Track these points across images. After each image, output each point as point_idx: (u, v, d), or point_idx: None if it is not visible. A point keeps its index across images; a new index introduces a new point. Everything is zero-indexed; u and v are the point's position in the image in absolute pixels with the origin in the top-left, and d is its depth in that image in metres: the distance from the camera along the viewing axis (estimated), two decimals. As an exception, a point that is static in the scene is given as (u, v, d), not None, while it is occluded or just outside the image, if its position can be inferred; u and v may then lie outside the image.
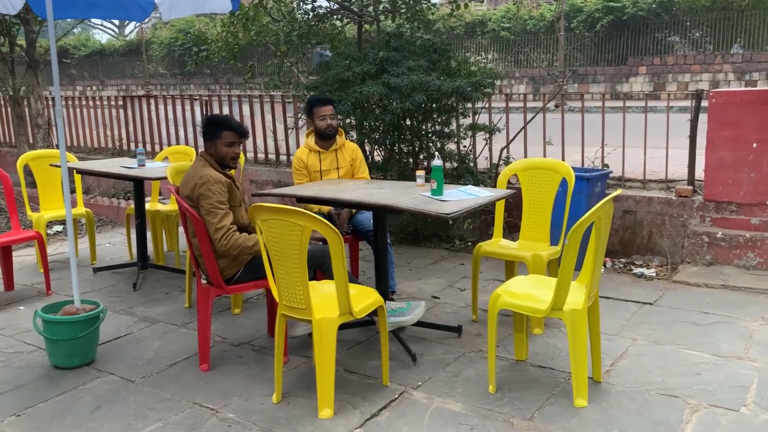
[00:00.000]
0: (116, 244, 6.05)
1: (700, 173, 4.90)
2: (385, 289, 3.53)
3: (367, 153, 5.67)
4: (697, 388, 2.95)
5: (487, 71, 5.55)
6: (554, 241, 3.82)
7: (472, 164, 5.56)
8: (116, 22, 36.03)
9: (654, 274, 4.62)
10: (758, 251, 4.50)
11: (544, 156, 5.29)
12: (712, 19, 18.54)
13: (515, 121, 5.66)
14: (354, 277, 3.91)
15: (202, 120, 6.59)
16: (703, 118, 4.82)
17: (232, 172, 3.60)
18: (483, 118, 5.69)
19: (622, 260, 4.93)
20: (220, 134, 3.35)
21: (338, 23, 6.43)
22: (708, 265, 4.66)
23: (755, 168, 4.48)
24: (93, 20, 29.93)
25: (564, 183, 3.78)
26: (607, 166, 5.24)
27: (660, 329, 3.68)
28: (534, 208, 3.91)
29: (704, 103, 4.84)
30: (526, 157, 5.29)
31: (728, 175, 4.59)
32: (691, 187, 4.90)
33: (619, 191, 3.30)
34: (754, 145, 4.46)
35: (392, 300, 3.79)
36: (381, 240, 3.61)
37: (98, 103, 8.93)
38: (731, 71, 17.32)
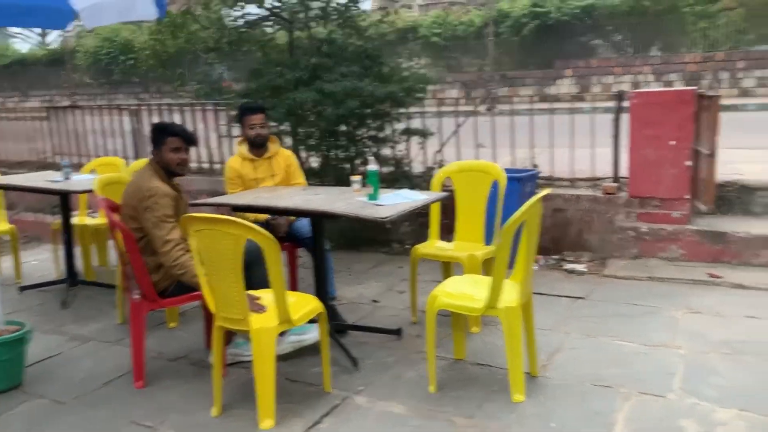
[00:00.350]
0: (43, 261, 5.80)
1: (625, 171, 5.11)
2: (324, 295, 3.52)
3: (303, 160, 5.65)
4: (629, 377, 3.08)
5: (419, 77, 5.63)
6: (489, 241, 3.90)
7: (407, 168, 5.62)
8: (37, 30, 34.59)
9: (585, 270, 4.78)
10: (680, 243, 4.73)
11: (477, 159, 5.40)
12: (632, 23, 19.41)
13: (448, 125, 5.76)
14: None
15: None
16: (626, 118, 5.03)
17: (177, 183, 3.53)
18: (417, 123, 5.76)
19: (554, 257, 5.08)
20: (164, 140, 3.30)
21: (269, 30, 6.38)
22: (635, 259, 4.87)
23: (674, 164, 4.71)
24: (11, 28, 28.69)
25: (496, 184, 3.88)
26: (536, 166, 5.40)
27: (592, 322, 3.81)
28: (468, 210, 3.99)
29: (626, 104, 5.05)
30: (459, 160, 5.39)
31: (650, 171, 4.81)
32: (616, 185, 5.10)
33: (547, 190, 3.41)
34: (672, 142, 4.69)
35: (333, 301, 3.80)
36: (319, 246, 3.60)
37: (20, 114, 8.55)
38: (650, 73, 18.15)
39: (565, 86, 18.96)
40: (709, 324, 3.69)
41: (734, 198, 5.05)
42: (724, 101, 5.44)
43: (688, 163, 4.69)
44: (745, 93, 16.93)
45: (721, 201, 5.06)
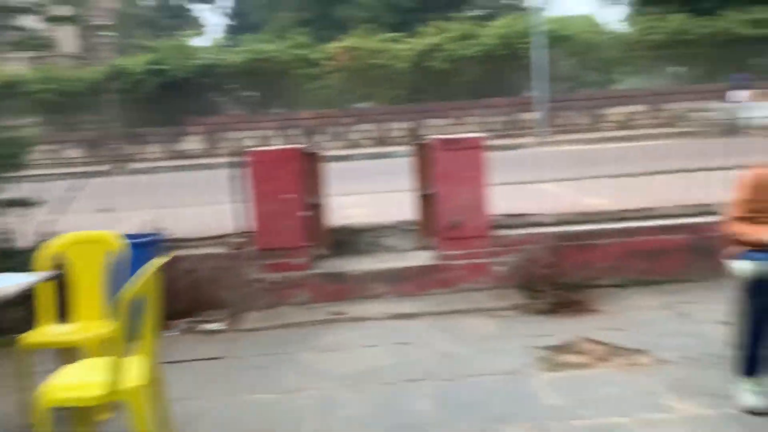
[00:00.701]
0: None
1: (251, 225, 5.30)
2: None
3: None
4: (266, 430, 3.14)
5: (17, 139, 5.00)
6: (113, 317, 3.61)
7: (10, 245, 4.89)
8: None
9: (222, 328, 4.79)
10: (306, 288, 5.10)
11: (102, 225, 5.00)
12: (257, 81, 20.74)
13: (65, 189, 5.22)
14: None
15: None
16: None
17: None
18: (27, 190, 5.08)
19: (190, 320, 4.97)
20: None
21: None
22: (268, 309, 5.06)
23: (290, 216, 5.08)
24: None
25: (116, 253, 3.62)
26: (162, 229, 5.24)
27: (231, 381, 3.81)
28: (86, 286, 3.63)
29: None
30: (80, 227, 4.91)
31: (272, 224, 5.09)
32: (244, 239, 5.26)
33: (164, 259, 3.31)
34: (287, 196, 5.05)
35: None
36: None
37: None
38: (275, 128, 19.55)
39: (194, 143, 19.14)
40: (335, 360, 4.02)
41: (346, 240, 5.68)
42: (336, 153, 6.13)
43: (303, 213, 5.11)
44: (353, 145, 19.48)
45: (336, 244, 5.64)
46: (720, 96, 18.83)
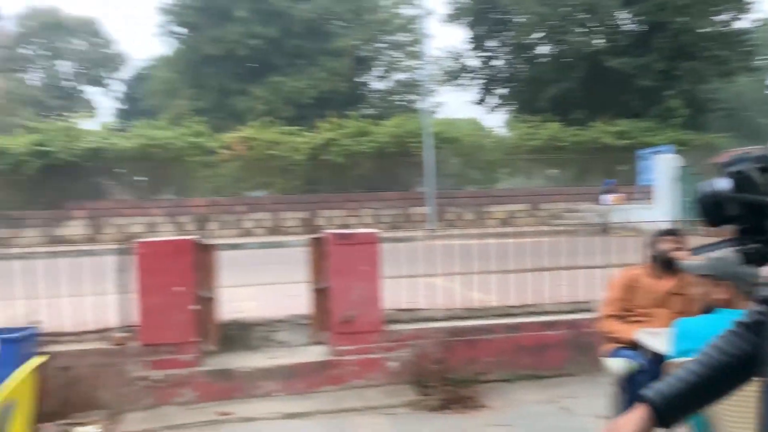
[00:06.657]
0: None
1: (135, 319, 5.06)
2: None
3: None
4: None
5: None
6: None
7: None
8: None
9: (98, 431, 4.44)
10: (192, 386, 4.87)
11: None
12: (146, 166, 20.23)
13: None
14: None
15: None
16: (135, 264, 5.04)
17: None
18: None
19: (64, 422, 4.57)
20: None
21: None
22: (151, 409, 4.77)
23: (181, 310, 4.91)
24: None
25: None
26: (35, 322, 4.89)
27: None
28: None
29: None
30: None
31: (159, 318, 4.89)
32: (127, 334, 4.99)
33: (39, 360, 3.10)
34: (177, 289, 4.90)
35: None
36: None
37: None
38: (164, 215, 18.98)
39: (77, 228, 18.17)
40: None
41: (236, 335, 5.53)
42: (230, 241, 6.04)
43: (193, 307, 4.96)
44: (246, 233, 19.25)
45: (226, 339, 5.46)
46: (590, 198, 20.56)
